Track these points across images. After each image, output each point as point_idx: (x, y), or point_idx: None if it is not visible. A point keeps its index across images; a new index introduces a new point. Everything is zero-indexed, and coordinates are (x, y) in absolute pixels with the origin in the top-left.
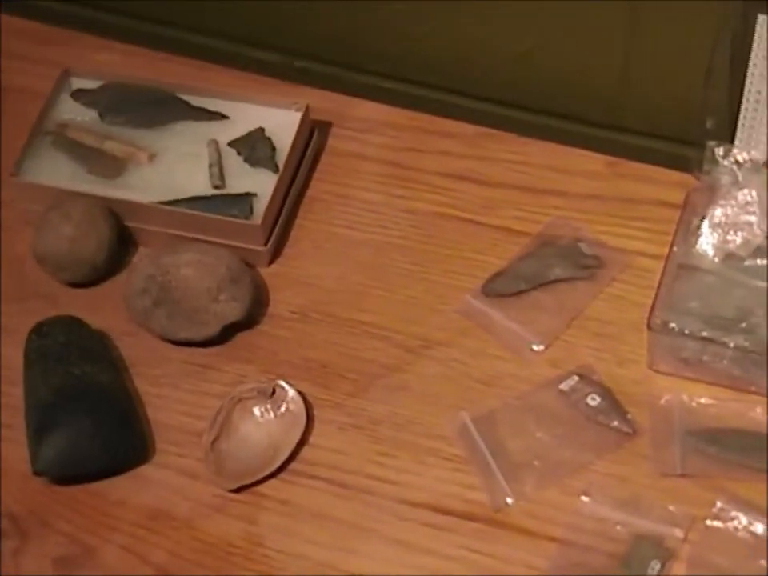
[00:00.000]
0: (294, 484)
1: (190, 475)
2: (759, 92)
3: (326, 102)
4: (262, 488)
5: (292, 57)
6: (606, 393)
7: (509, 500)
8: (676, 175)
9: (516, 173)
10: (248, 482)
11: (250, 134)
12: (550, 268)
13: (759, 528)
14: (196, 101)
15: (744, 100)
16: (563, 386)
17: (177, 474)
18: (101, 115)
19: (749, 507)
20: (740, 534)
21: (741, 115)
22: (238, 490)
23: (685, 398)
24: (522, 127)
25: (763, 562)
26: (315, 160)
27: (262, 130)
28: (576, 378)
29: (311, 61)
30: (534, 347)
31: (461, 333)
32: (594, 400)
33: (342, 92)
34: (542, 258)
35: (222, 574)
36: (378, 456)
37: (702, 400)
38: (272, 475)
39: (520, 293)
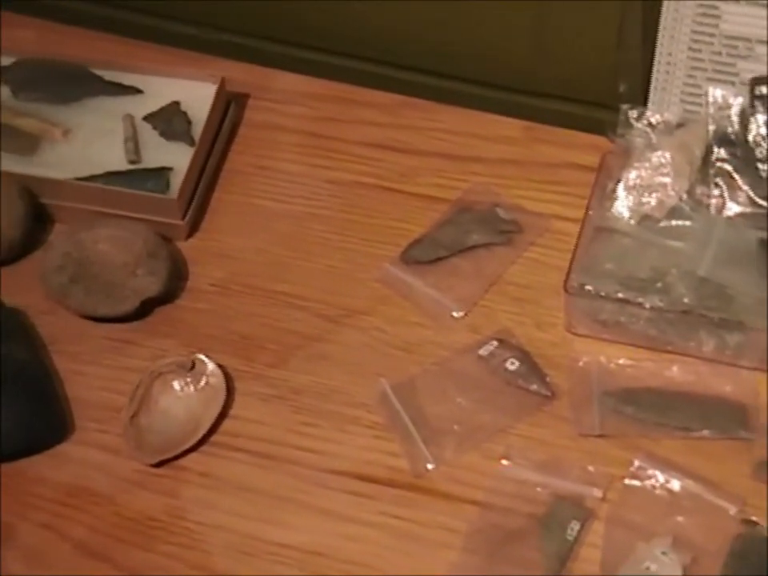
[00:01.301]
0: (215, 456)
1: (110, 451)
2: (670, 54)
3: (244, 74)
4: (183, 462)
5: (209, 29)
6: (524, 357)
7: (429, 465)
8: (592, 139)
9: (435, 140)
10: (169, 456)
11: (165, 108)
12: (468, 234)
13: (675, 485)
14: (110, 75)
15: (655, 62)
16: (482, 352)
17: (97, 451)
18: (14, 92)
19: (665, 465)
20: (657, 491)
21: (653, 78)
22: (158, 465)
23: (602, 359)
24: (440, 95)
25: (680, 518)
26: (233, 133)
27: (177, 103)
28: (495, 342)
29: (228, 33)
30: (454, 313)
31: (381, 301)
32: (513, 364)
33: (260, 64)
34: (460, 224)
35: (143, 548)
36: (299, 426)
37: (620, 361)
38: (193, 449)
39: (439, 259)
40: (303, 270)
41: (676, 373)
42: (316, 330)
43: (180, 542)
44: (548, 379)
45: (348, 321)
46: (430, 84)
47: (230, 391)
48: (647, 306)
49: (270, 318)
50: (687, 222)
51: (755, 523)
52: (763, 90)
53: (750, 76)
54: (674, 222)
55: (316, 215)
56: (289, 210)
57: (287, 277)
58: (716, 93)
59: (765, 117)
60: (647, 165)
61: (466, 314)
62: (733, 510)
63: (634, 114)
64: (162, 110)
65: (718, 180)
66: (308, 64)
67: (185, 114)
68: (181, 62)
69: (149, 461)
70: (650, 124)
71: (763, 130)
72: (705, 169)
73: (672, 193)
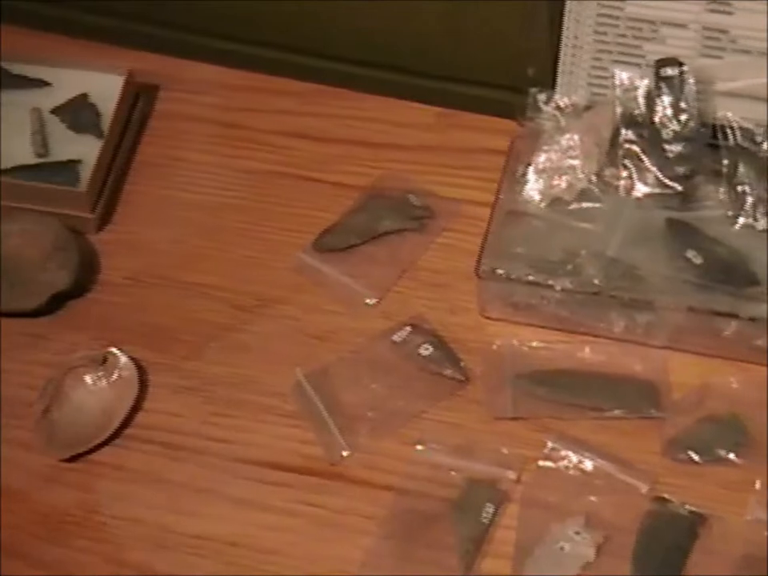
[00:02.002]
0: (128, 449)
1: (23, 447)
2: (576, 37)
3: (154, 65)
4: (96, 456)
5: (118, 20)
6: (438, 342)
7: (344, 452)
8: (503, 123)
9: (349, 128)
10: (81, 450)
11: (73, 101)
12: (380, 221)
13: (588, 465)
14: (17, 68)
15: (562, 46)
16: (396, 338)
17: (9, 446)
18: None
19: (578, 445)
20: (570, 471)
21: (560, 61)
22: (71, 459)
23: (515, 342)
24: (354, 82)
25: (592, 498)
26: (143, 124)
27: (85, 95)
28: (408, 328)
29: (138, 24)
30: (367, 300)
31: (295, 290)
32: (426, 350)
33: (171, 54)
34: (373, 211)
35: (58, 543)
36: (214, 417)
37: (533, 343)
38: (106, 442)
39: (351, 247)
40: (217, 261)
41: (588, 353)
42: (230, 320)
43: (95, 536)
44: (462, 364)
45: (262, 310)
46: (343, 71)
47: (143, 384)
48: (558, 288)
49: (183, 309)
50: (597, 204)
51: (666, 500)
52: (668, 71)
53: (655, 58)
54: (583, 204)
55: (230, 205)
56: (202, 201)
57: (201, 267)
58: (622, 75)
59: (670, 98)
60: (556, 148)
61: (379, 301)
62: (644, 488)
63: (542, 97)
64: (69, 102)
65: (626, 161)
66: (220, 54)
67: (93, 106)
68: (90, 53)
69: (62, 455)
70: (558, 107)
71: (669, 111)
72: (613, 151)
73: (581, 175)
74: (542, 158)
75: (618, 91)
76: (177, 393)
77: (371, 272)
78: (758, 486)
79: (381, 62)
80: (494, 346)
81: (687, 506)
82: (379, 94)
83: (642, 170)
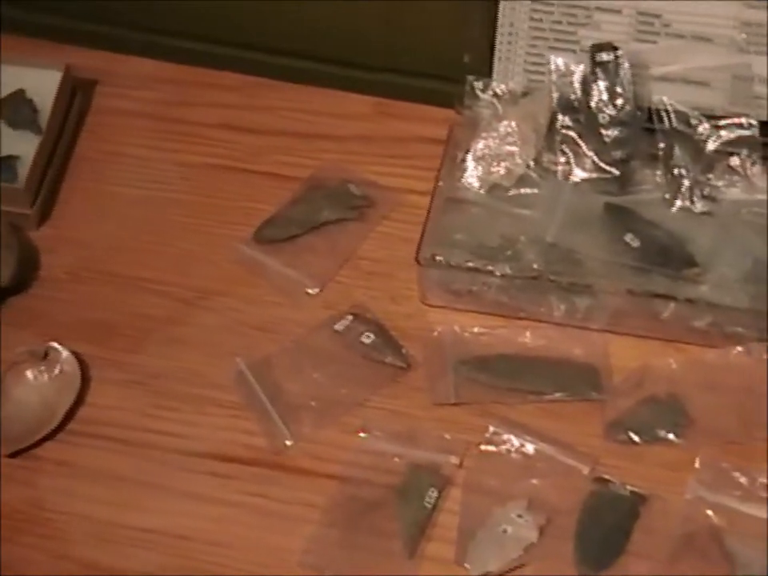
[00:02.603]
0: (72, 444)
1: None
2: (512, 24)
3: (92, 61)
4: (40, 451)
5: (54, 16)
6: (379, 330)
7: (288, 442)
8: (441, 112)
9: (287, 119)
10: (24, 445)
11: (10, 97)
12: (319, 211)
13: (530, 448)
14: None
15: (498, 33)
16: (338, 327)
17: None
18: None
19: (519, 429)
20: (512, 455)
21: (496, 48)
22: (14, 455)
23: (456, 328)
24: (291, 74)
25: (535, 481)
26: (82, 120)
27: (22, 91)
28: (350, 317)
29: (74, 19)
30: (309, 290)
31: (236, 282)
32: (368, 338)
33: (109, 49)
34: (312, 201)
35: (4, 540)
36: (157, 410)
37: (474, 329)
38: (49, 437)
39: (292, 238)
40: (157, 255)
41: (528, 338)
42: (172, 313)
43: (41, 532)
44: (403, 351)
45: (204, 303)
46: (280, 64)
47: (85, 378)
48: (498, 273)
49: (125, 303)
50: (535, 190)
51: (607, 481)
52: (603, 56)
53: (590, 43)
54: (522, 190)
55: (169, 199)
56: (142, 195)
57: (141, 262)
58: (558, 61)
59: (606, 83)
60: (494, 135)
61: (320, 291)
62: (586, 469)
63: (479, 85)
64: (6, 98)
65: (564, 147)
66: (157, 48)
67: (30, 102)
68: (27, 49)
69: (5, 451)
70: (495, 94)
71: (605, 96)
72: (550, 136)
73: (520, 161)
74: (480, 145)
75: (554, 77)
76: (119, 387)
77: (312, 262)
78: (697, 464)
79: (318, 54)
80: (435, 333)
81: (628, 487)
82: (317, 85)
83: (579, 155)
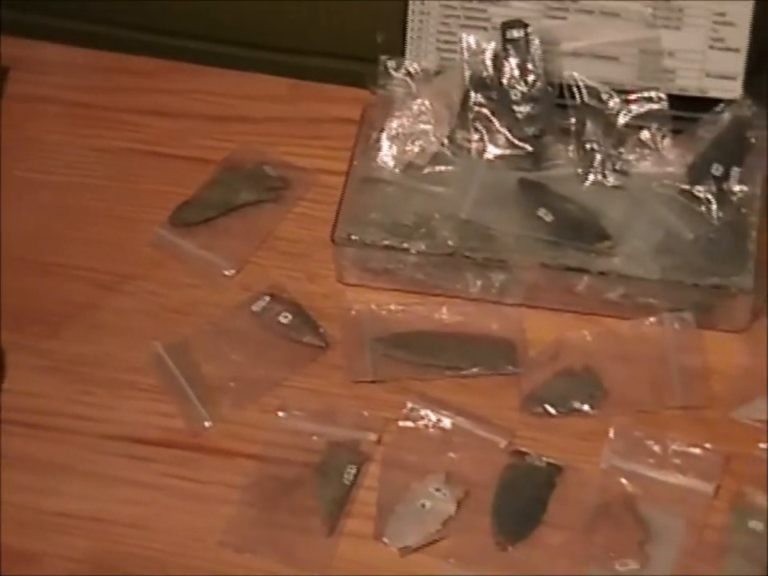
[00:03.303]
0: None
1: None
2: (423, 3)
3: (5, 48)
4: None
5: None
6: (297, 310)
7: (207, 423)
8: (355, 92)
9: (201, 103)
10: None
11: None
12: (236, 193)
13: (447, 423)
14: None
15: (409, 12)
16: (255, 307)
17: None
18: None
19: (437, 405)
20: (430, 430)
21: (408, 27)
22: None
23: (373, 307)
24: (205, 58)
25: (452, 455)
26: None
27: None
28: (267, 298)
29: None
30: (226, 272)
31: (153, 265)
32: (285, 318)
33: (21, 36)
34: (228, 183)
35: None
36: (75, 395)
37: (391, 307)
38: None
39: (208, 220)
40: (73, 240)
41: (445, 314)
42: (89, 298)
43: None
44: (321, 330)
45: (121, 287)
46: (192, 48)
47: (2, 365)
48: (413, 251)
49: (41, 289)
50: (449, 167)
51: (523, 453)
52: (514, 33)
53: (500, 21)
54: (436, 168)
55: (85, 184)
56: (57, 182)
57: (58, 248)
58: (469, 39)
59: (517, 60)
60: (408, 113)
61: (237, 273)
62: (502, 442)
63: (392, 64)
64: None
65: (477, 124)
66: (68, 34)
67: None
68: None
69: None
70: (408, 73)
71: (516, 73)
72: (464, 114)
73: (433, 139)
74: (394, 125)
75: (466, 55)
76: (37, 372)
77: (229, 244)
78: (611, 434)
79: (232, 38)
80: (353, 312)
81: (544, 458)
82: (231, 68)
83: (492, 132)
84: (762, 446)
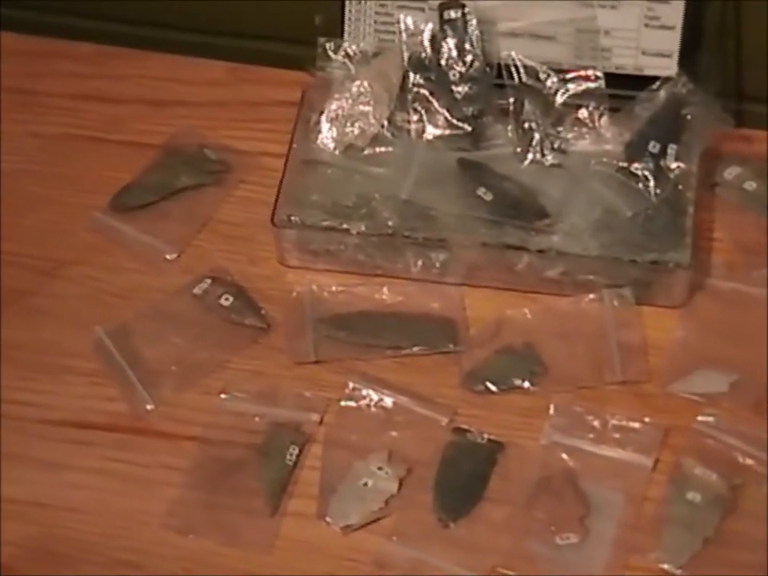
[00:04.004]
0: None
1: None
2: None
3: None
4: None
5: None
6: (239, 292)
7: (149, 407)
8: (295, 75)
9: (140, 87)
10: None
11: None
12: (176, 177)
13: (389, 402)
14: None
15: None
16: (196, 290)
17: None
18: None
19: (378, 384)
20: (372, 410)
21: (346, 9)
22: None
23: (315, 288)
24: (143, 42)
25: (394, 434)
26: None
27: None
28: (209, 280)
29: None
30: (167, 256)
31: (93, 250)
32: (227, 300)
33: None
34: (169, 167)
35: None
36: (16, 381)
37: (332, 288)
38: None
39: (149, 204)
40: (12, 227)
41: (386, 295)
42: (29, 284)
43: None
44: (263, 312)
45: (61, 272)
46: (129, 33)
47: None
48: (353, 232)
49: None
50: (389, 148)
51: (465, 431)
52: (451, 14)
53: (437, 2)
54: (376, 149)
55: (23, 171)
56: None
57: None
58: (407, 20)
59: (455, 40)
60: (347, 95)
61: (179, 256)
62: (444, 420)
63: (331, 46)
64: None
65: (416, 105)
66: (5, 19)
67: None
68: None
69: None
70: (347, 55)
71: (454, 53)
72: (403, 95)
73: (373, 121)
74: (333, 106)
75: (404, 36)
76: None
77: (170, 228)
78: (551, 410)
79: (170, 22)
80: (294, 293)
81: (485, 435)
82: (170, 52)
83: (431, 113)
84: (700, 418)
